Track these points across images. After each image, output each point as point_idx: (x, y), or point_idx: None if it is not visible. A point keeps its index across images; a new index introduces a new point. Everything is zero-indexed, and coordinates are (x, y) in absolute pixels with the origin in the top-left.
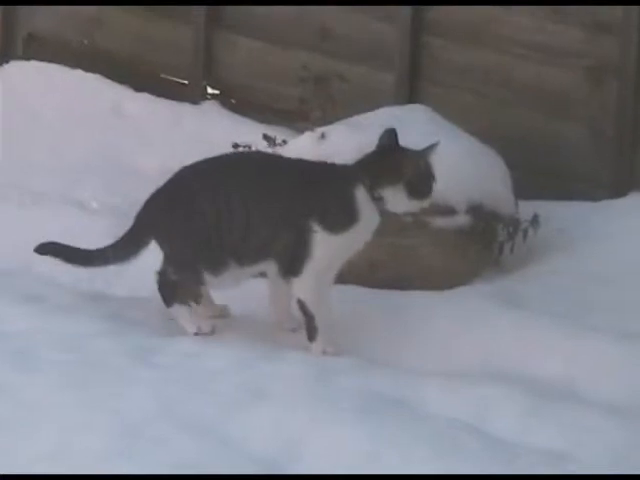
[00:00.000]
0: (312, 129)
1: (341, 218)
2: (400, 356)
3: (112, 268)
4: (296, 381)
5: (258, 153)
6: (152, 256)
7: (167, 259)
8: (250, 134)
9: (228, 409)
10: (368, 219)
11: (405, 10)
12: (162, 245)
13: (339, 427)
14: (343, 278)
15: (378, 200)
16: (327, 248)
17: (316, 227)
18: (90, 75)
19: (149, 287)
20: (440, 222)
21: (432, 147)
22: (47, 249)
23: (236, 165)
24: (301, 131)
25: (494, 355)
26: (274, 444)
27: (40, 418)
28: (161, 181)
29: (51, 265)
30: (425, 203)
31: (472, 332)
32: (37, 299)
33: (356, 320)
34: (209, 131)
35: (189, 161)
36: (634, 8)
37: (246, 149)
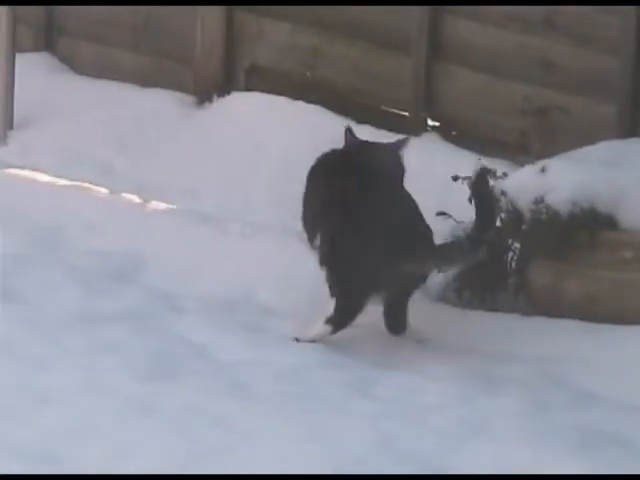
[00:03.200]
0: (533, 162)
1: None
2: (619, 391)
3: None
4: (514, 416)
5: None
6: None
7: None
8: (470, 166)
9: (446, 444)
10: None
11: (628, 43)
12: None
13: (559, 464)
14: (562, 312)
15: None
16: None
17: None
18: (312, 107)
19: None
20: None
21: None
22: None
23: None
24: (521, 164)
25: None
26: None
27: (255, 449)
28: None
29: (272, 295)
30: None
31: None
32: (257, 329)
33: (572, 354)
34: (429, 163)
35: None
36: None
37: None
